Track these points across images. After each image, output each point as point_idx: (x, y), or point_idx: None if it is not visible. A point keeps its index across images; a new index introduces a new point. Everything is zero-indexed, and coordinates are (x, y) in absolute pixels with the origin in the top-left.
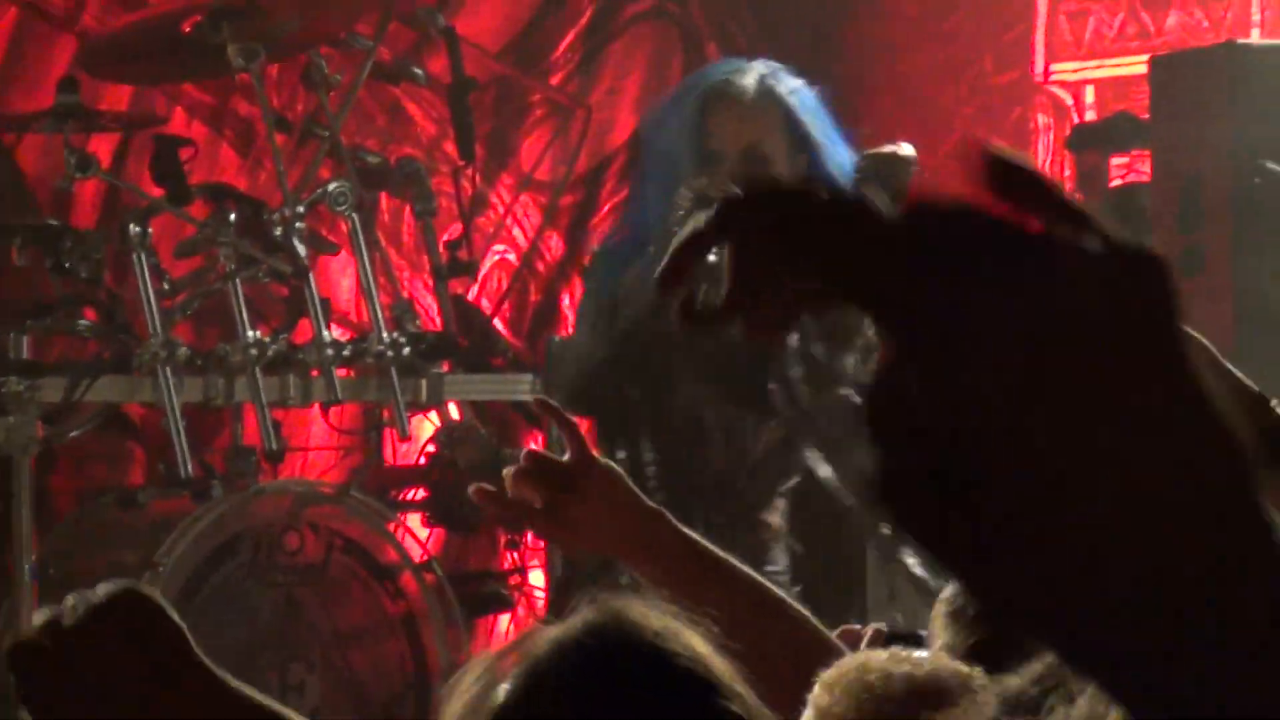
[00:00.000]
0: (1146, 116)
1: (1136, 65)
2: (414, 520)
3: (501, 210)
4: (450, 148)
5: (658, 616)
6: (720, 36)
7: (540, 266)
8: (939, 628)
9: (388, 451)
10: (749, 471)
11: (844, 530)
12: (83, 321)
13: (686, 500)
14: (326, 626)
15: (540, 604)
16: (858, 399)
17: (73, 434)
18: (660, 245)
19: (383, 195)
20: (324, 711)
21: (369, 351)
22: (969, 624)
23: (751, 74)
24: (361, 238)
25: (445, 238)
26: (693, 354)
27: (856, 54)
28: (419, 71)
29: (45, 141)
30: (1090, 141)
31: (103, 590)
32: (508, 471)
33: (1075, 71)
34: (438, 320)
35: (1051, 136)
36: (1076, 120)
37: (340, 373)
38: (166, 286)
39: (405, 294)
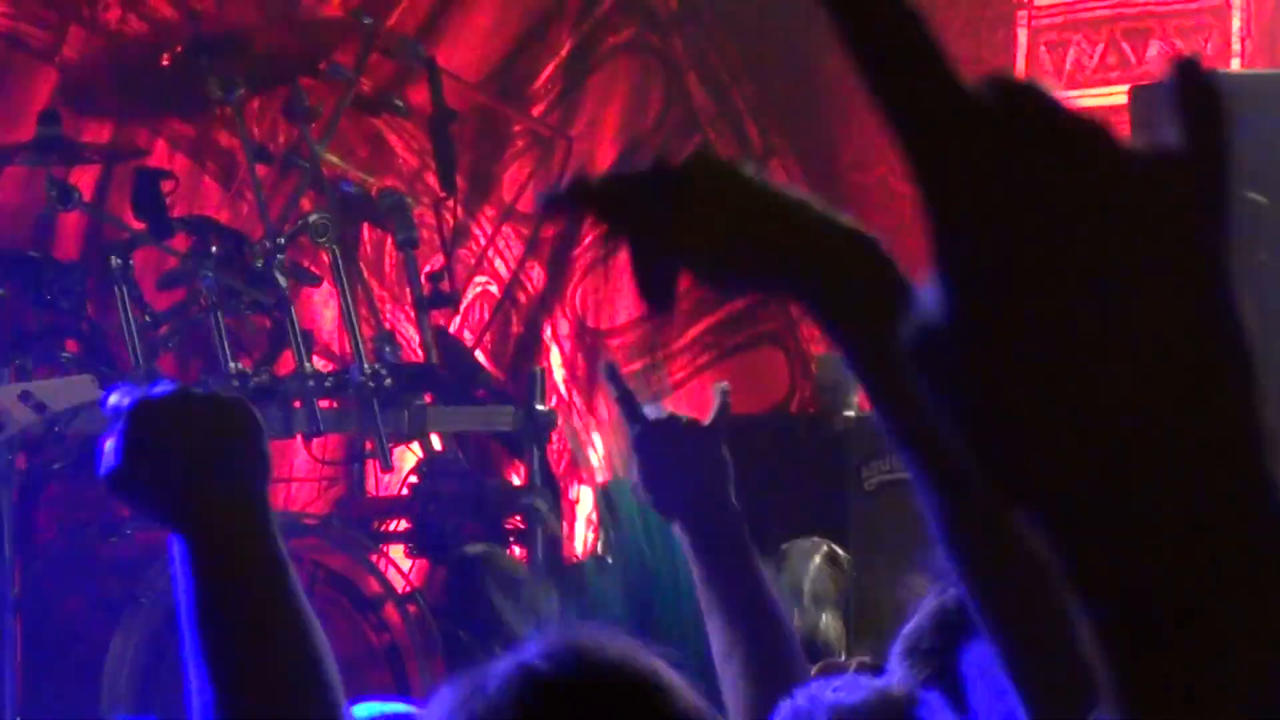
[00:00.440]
0: None
1: (1117, 95)
2: (397, 551)
3: (483, 241)
4: (432, 179)
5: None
6: (701, 67)
7: (522, 298)
8: (895, 663)
9: (370, 482)
10: None
11: None
12: (65, 353)
13: None
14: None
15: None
16: None
17: (54, 466)
18: None
19: (364, 226)
20: None
21: (351, 383)
22: (922, 659)
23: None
24: (343, 269)
25: (427, 269)
26: None
27: (838, 84)
28: (400, 103)
29: (26, 174)
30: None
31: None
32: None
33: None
34: (419, 352)
35: None
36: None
37: (322, 404)
38: (148, 319)
39: (387, 325)
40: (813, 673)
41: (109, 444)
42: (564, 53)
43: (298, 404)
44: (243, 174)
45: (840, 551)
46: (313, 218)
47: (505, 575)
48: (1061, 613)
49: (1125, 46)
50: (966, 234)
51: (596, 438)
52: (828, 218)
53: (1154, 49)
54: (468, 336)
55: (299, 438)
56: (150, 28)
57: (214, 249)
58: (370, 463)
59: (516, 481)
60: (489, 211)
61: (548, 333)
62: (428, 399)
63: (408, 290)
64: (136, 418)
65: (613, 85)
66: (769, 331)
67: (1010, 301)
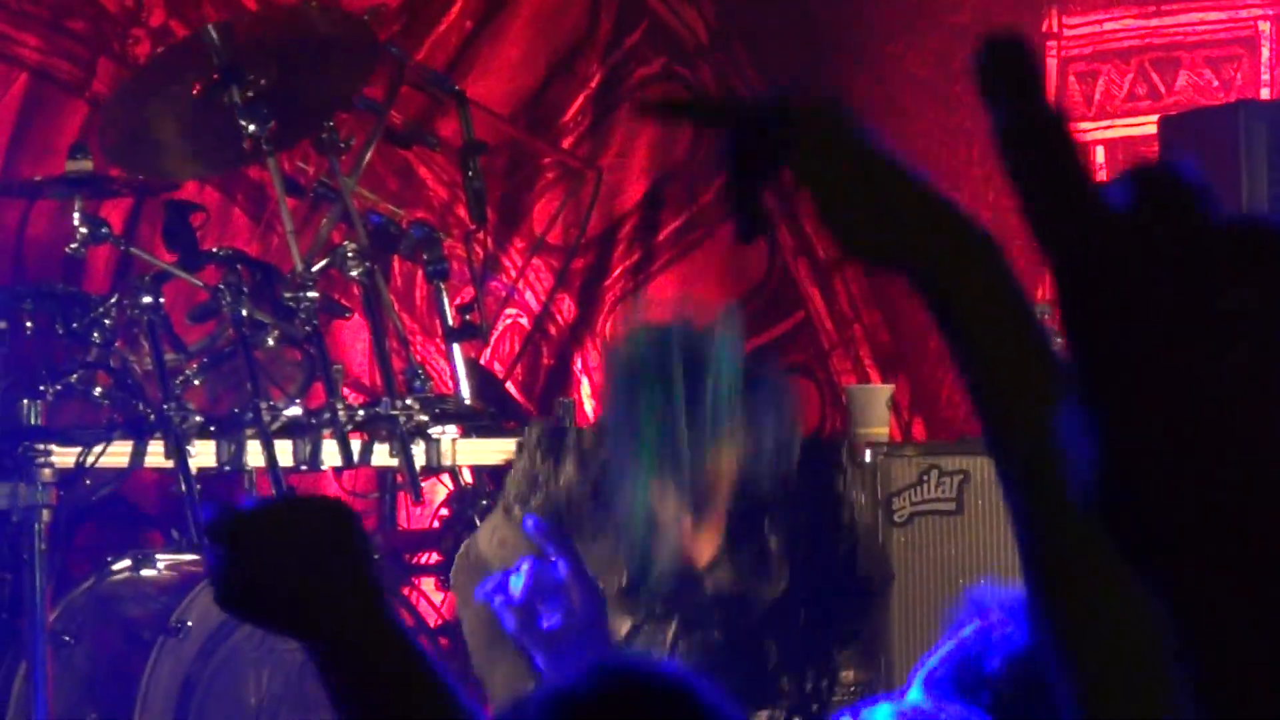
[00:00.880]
0: None
1: (1147, 125)
2: (428, 584)
3: (513, 274)
4: (462, 211)
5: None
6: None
7: (552, 330)
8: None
9: (401, 515)
10: None
11: None
12: (96, 387)
13: None
14: None
15: None
16: None
17: (91, 499)
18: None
19: (395, 259)
20: None
21: (382, 415)
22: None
23: None
24: (374, 301)
25: (457, 301)
26: None
27: (867, 116)
28: (430, 136)
29: (57, 207)
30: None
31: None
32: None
33: (1085, 132)
34: (450, 384)
35: None
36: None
37: (353, 437)
38: (179, 352)
39: (418, 358)
40: None
41: (212, 568)
42: (593, 85)
43: (328, 436)
44: (273, 207)
45: None
46: (344, 250)
47: None
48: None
49: (1154, 76)
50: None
51: None
52: (946, 202)
53: (1183, 79)
54: (498, 368)
55: (330, 470)
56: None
57: (244, 282)
58: (401, 495)
59: None
60: (519, 244)
61: (578, 365)
62: (459, 431)
63: (438, 322)
64: (232, 540)
65: (642, 118)
66: (799, 363)
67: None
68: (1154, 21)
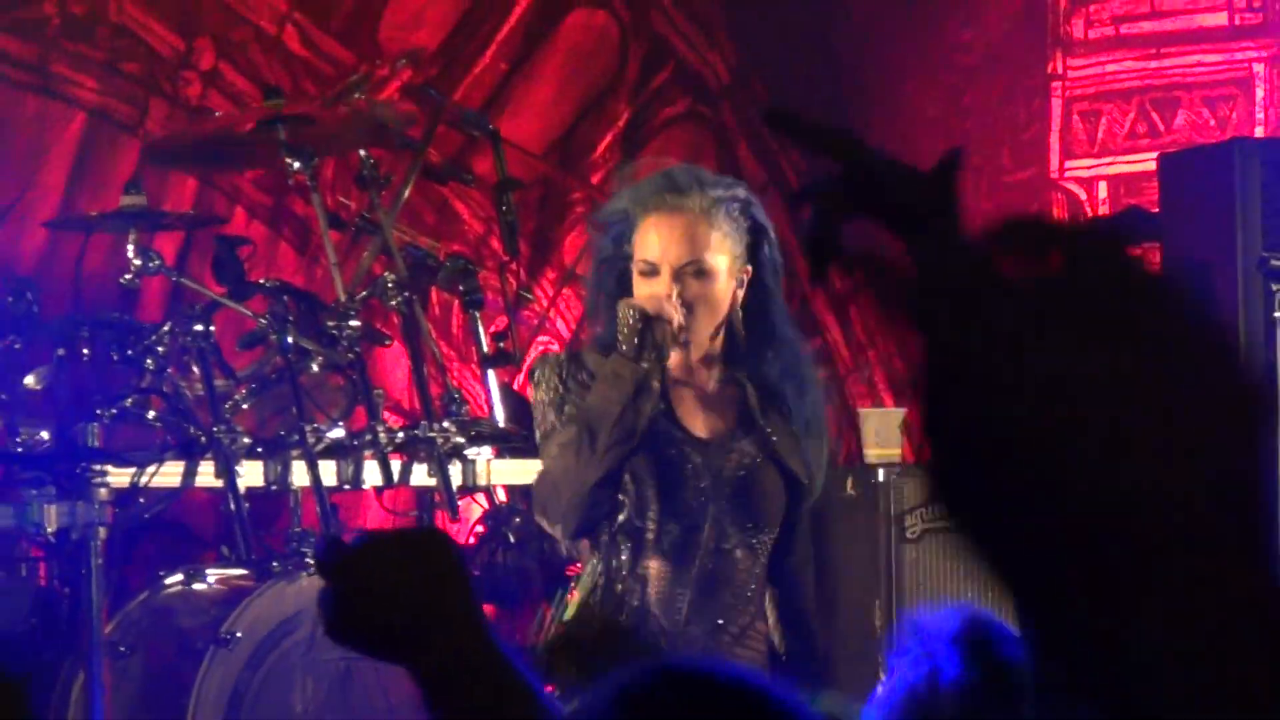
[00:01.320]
0: (1156, 210)
1: (1147, 162)
2: None
3: (545, 303)
4: (496, 244)
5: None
6: (750, 137)
7: None
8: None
9: None
10: None
11: None
12: (149, 411)
13: None
14: (382, 696)
15: None
16: None
17: (145, 516)
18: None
19: (432, 289)
20: None
21: (420, 438)
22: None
23: None
24: (413, 330)
25: (491, 329)
26: None
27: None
28: (466, 172)
29: (112, 240)
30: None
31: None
32: None
33: (1089, 168)
34: (485, 408)
35: None
36: (1090, 214)
37: (394, 457)
38: (228, 378)
39: (454, 383)
40: None
41: (322, 601)
42: (621, 124)
43: (370, 457)
44: (317, 240)
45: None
46: (384, 281)
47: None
48: None
49: (1154, 116)
50: None
51: None
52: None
53: (1181, 118)
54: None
55: (371, 490)
56: (229, 101)
57: (290, 311)
58: (439, 513)
59: None
60: (550, 275)
61: None
62: (493, 453)
63: (473, 349)
64: (342, 574)
65: (667, 153)
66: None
67: None
68: (1154, 64)
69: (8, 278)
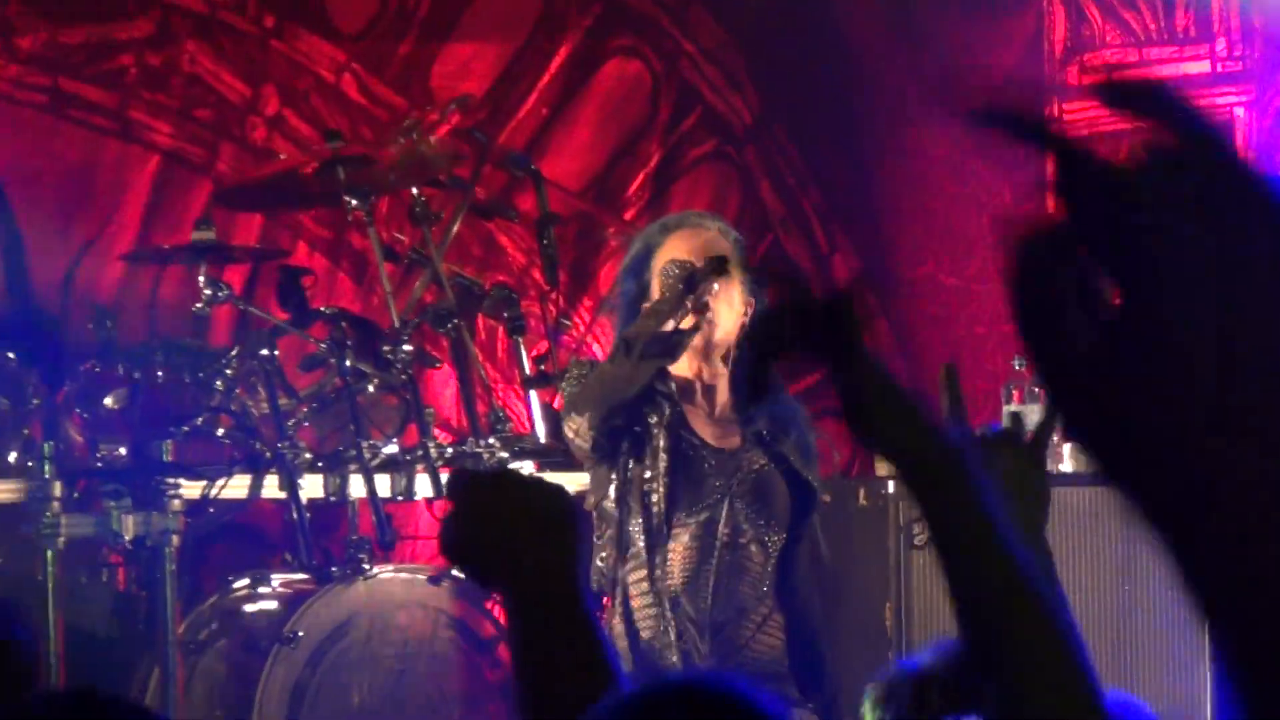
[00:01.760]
0: None
1: None
2: None
3: (582, 329)
4: (538, 274)
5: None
6: (772, 176)
7: None
8: (867, 711)
9: None
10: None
11: None
12: (219, 428)
13: None
14: (434, 692)
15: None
16: None
17: (211, 526)
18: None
19: (479, 316)
20: None
21: (468, 452)
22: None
23: None
24: (461, 353)
25: (533, 353)
26: None
27: (891, 189)
28: (510, 209)
29: (185, 272)
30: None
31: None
32: None
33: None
34: (527, 425)
35: None
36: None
37: (443, 471)
38: (291, 398)
39: (499, 402)
40: None
41: (444, 519)
42: (652, 164)
43: (421, 471)
44: (373, 271)
45: None
46: (434, 308)
47: None
48: None
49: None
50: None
51: None
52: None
53: None
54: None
55: (422, 501)
56: (292, 144)
57: (348, 336)
58: None
59: None
60: (587, 303)
61: None
62: (535, 466)
63: (516, 371)
64: (465, 496)
65: (695, 192)
66: (830, 407)
67: None
68: None
69: (89, 307)
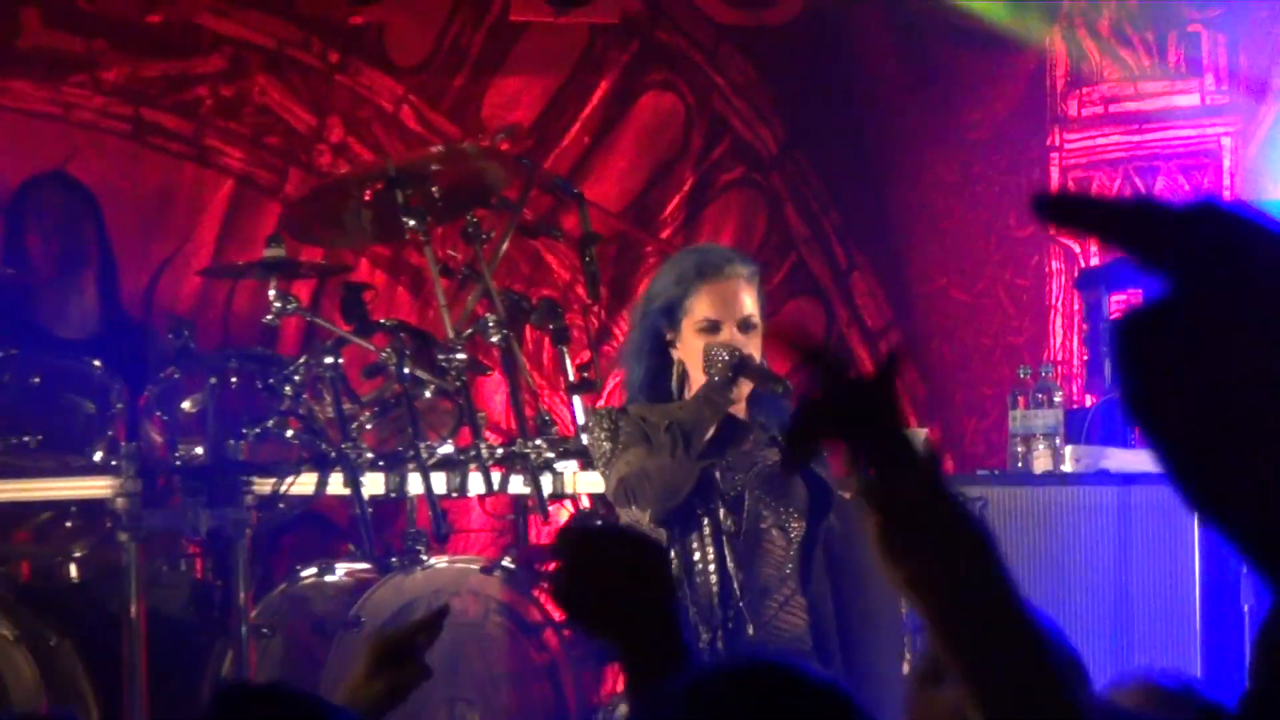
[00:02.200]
0: None
1: None
2: None
3: (622, 339)
4: (580, 289)
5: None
6: (795, 199)
7: None
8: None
9: (532, 532)
10: None
11: None
12: (288, 430)
13: None
14: (485, 673)
15: None
16: None
17: (281, 520)
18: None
19: (527, 328)
20: None
21: (517, 453)
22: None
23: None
24: (510, 361)
25: (576, 362)
26: None
27: (905, 213)
28: (555, 229)
29: (256, 286)
30: (1093, 282)
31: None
32: None
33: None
34: (571, 428)
35: (1063, 278)
36: (1083, 265)
37: (494, 469)
38: (354, 402)
39: (545, 407)
40: None
41: (555, 572)
42: (686, 188)
43: (474, 469)
44: (429, 286)
45: None
46: (485, 320)
47: None
48: None
49: (1137, 181)
50: None
51: None
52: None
53: (1161, 183)
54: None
55: (475, 497)
56: (355, 169)
57: (407, 346)
58: (531, 517)
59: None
60: (626, 315)
61: None
62: (578, 465)
63: (561, 379)
64: (570, 547)
65: (726, 214)
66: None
67: None
68: (1137, 137)
69: (169, 318)
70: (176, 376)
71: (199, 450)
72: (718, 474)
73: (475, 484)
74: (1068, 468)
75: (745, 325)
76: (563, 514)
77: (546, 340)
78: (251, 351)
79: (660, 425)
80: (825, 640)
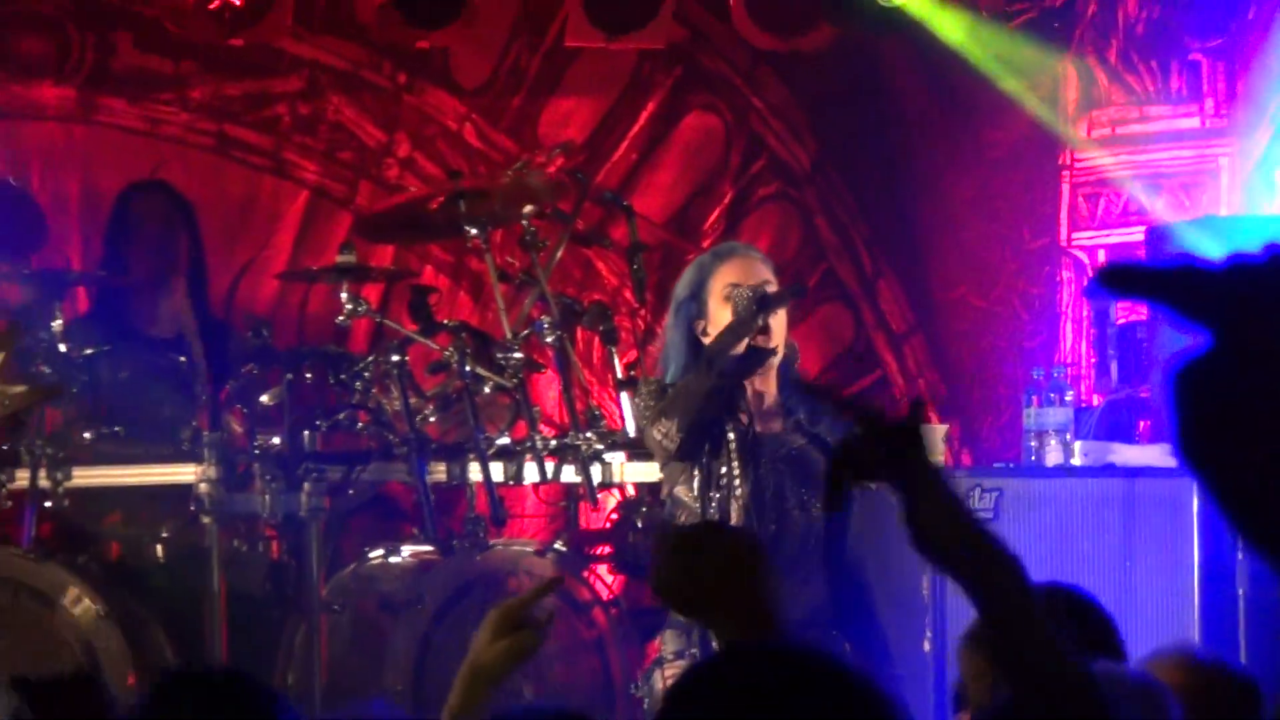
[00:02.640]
0: None
1: (1137, 234)
2: (602, 569)
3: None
4: (628, 294)
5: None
6: (826, 212)
7: None
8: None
9: (582, 518)
10: None
11: None
12: (358, 422)
13: None
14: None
15: None
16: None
17: (351, 505)
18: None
19: (578, 329)
20: None
21: (569, 444)
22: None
23: None
24: (563, 360)
25: (624, 361)
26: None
27: (928, 225)
28: (605, 238)
29: (329, 289)
30: (1102, 290)
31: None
32: None
33: (1091, 238)
34: (619, 422)
35: (1073, 287)
36: (1091, 274)
37: (548, 460)
38: (419, 397)
39: (594, 402)
40: None
41: (651, 564)
42: (726, 201)
43: (529, 459)
44: (489, 290)
45: None
46: (541, 322)
47: None
48: None
49: (1142, 197)
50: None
51: None
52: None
53: (1163, 199)
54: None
55: (530, 485)
56: (421, 182)
57: (468, 345)
58: (582, 503)
59: None
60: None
61: None
62: (625, 456)
63: (610, 376)
64: (673, 545)
65: (762, 225)
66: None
67: None
68: (1142, 157)
69: (248, 318)
70: (255, 372)
71: (276, 440)
72: (748, 454)
73: (530, 473)
74: (1077, 462)
75: (762, 287)
76: (611, 500)
77: (597, 340)
78: (325, 349)
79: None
80: (844, 615)
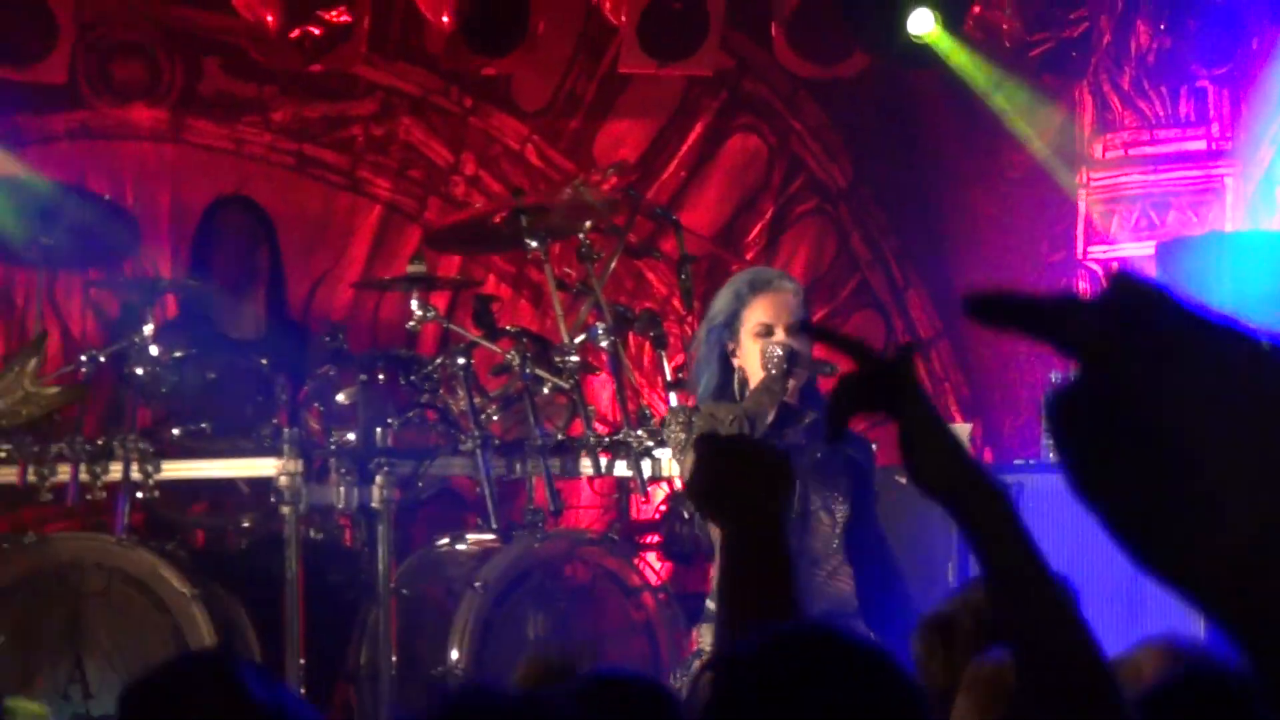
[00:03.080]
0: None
1: (1148, 248)
2: (651, 556)
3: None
4: (677, 303)
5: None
6: (860, 228)
7: None
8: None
9: (633, 509)
10: None
11: None
12: (427, 421)
13: None
14: (590, 628)
15: None
16: None
17: (422, 496)
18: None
19: (630, 335)
20: None
21: (621, 441)
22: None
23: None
24: (616, 363)
25: (673, 364)
26: None
27: (953, 240)
28: (656, 250)
29: (400, 297)
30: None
31: None
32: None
33: (1105, 252)
34: None
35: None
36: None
37: (602, 455)
38: (483, 397)
39: (645, 402)
40: None
41: (692, 468)
42: (767, 217)
43: (584, 455)
44: (548, 298)
45: None
46: (596, 328)
47: None
48: None
49: (1153, 214)
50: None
51: None
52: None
53: (1173, 217)
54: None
55: (585, 478)
56: (486, 198)
57: (528, 349)
58: (633, 496)
59: None
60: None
61: None
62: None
63: (659, 378)
64: (710, 449)
65: (801, 239)
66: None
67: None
68: (1153, 177)
69: (325, 323)
70: (332, 373)
71: (350, 436)
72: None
73: (585, 467)
74: None
75: (794, 327)
76: (659, 493)
77: (647, 345)
78: (396, 353)
79: (726, 419)
80: (869, 603)
